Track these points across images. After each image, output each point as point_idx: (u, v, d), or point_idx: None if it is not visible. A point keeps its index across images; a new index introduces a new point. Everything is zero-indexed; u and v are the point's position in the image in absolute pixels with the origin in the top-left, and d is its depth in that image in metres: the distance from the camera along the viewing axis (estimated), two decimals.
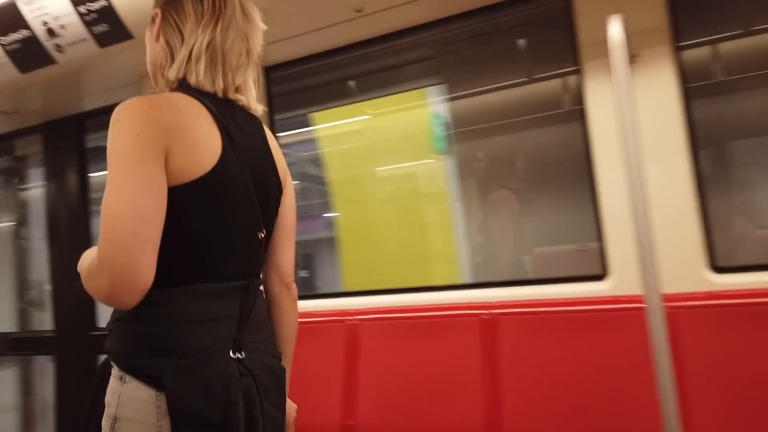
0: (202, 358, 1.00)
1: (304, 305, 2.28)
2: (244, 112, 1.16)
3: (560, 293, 1.87)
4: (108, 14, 2.01)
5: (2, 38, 2.23)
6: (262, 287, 1.20)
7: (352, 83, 2.64)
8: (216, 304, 1.05)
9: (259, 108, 1.19)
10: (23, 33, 2.18)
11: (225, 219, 1.06)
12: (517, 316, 1.86)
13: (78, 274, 1.07)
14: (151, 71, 1.19)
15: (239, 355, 1.04)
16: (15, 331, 3.35)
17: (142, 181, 0.93)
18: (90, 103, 2.81)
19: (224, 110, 1.09)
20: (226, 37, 1.11)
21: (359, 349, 2.05)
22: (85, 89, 2.63)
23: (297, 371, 2.14)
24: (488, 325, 1.88)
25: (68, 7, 2.04)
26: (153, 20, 1.17)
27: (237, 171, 1.07)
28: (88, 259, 1.03)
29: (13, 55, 2.26)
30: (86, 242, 2.90)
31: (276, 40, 2.22)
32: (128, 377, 1.00)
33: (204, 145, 1.02)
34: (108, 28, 2.06)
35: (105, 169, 0.97)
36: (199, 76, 1.10)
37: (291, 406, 1.25)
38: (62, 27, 2.11)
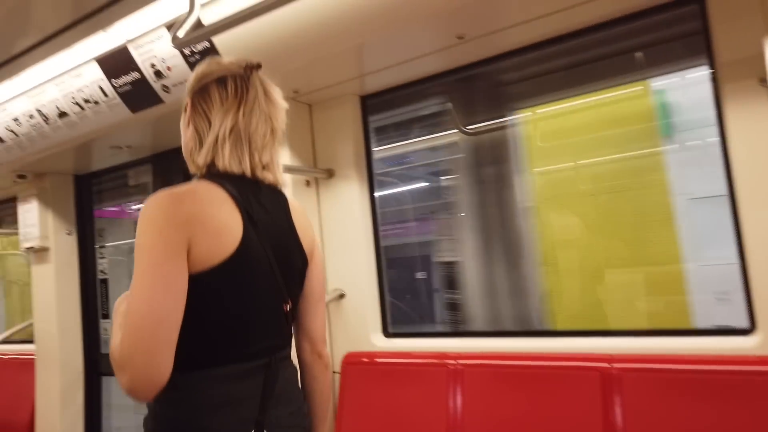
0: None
1: (402, 345, 2.20)
2: (271, 189, 1.23)
3: (695, 348, 1.64)
4: (210, 55, 2.03)
5: (115, 80, 2.33)
6: (294, 355, 1.27)
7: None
8: (238, 386, 1.10)
9: (285, 182, 1.28)
10: (133, 75, 2.26)
11: (248, 299, 1.12)
12: (646, 373, 1.65)
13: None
14: (185, 156, 1.25)
15: None
16: None
17: (161, 282, 1.00)
18: None
19: (248, 191, 1.16)
20: (250, 120, 1.18)
21: (462, 397, 1.92)
22: None
23: (393, 414, 2.08)
24: (610, 380, 1.68)
25: (174, 50, 2.09)
26: (185, 109, 1.24)
27: (258, 250, 1.12)
28: (116, 337, 1.07)
29: (125, 96, 2.35)
30: None
31: (372, 72, 2.15)
32: None
33: (225, 230, 1.09)
34: None
35: None
36: (225, 160, 1.17)
37: None
38: (168, 69, 2.17)
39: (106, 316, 3.52)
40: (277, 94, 1.25)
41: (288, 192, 2.35)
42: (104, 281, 3.54)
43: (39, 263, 3.45)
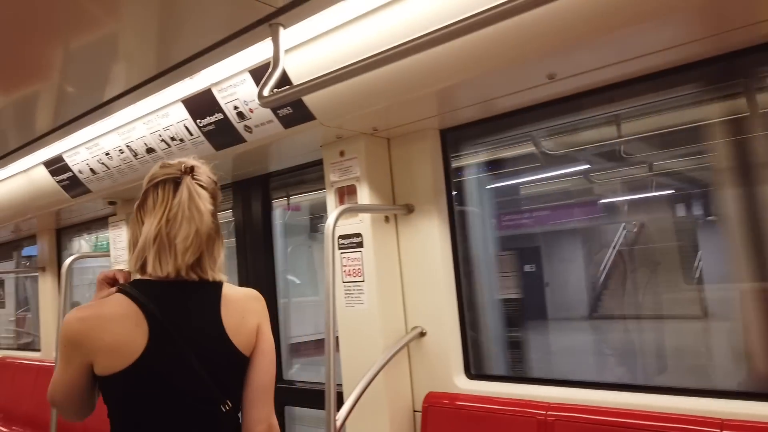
0: None
1: (486, 388, 2.14)
2: (199, 287, 1.31)
3: None
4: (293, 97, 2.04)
5: (199, 120, 2.38)
6: None
7: None
8: None
9: (219, 277, 1.34)
10: (217, 116, 2.31)
11: (155, 403, 1.24)
12: None
13: None
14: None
15: None
16: None
17: (60, 382, 1.29)
18: (273, 166, 2.94)
19: (168, 294, 1.27)
20: (174, 224, 1.27)
21: None
22: (271, 157, 2.74)
23: None
24: None
25: (255, 93, 2.11)
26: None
27: (169, 358, 1.23)
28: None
29: (209, 135, 2.41)
30: (270, 267, 3.05)
31: (455, 109, 2.09)
32: None
33: (123, 344, 1.21)
34: (291, 111, 2.09)
35: None
36: (150, 264, 1.28)
37: None
38: (251, 110, 2.19)
39: None
40: (203, 198, 1.30)
41: (365, 229, 2.36)
42: None
43: None
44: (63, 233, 4.85)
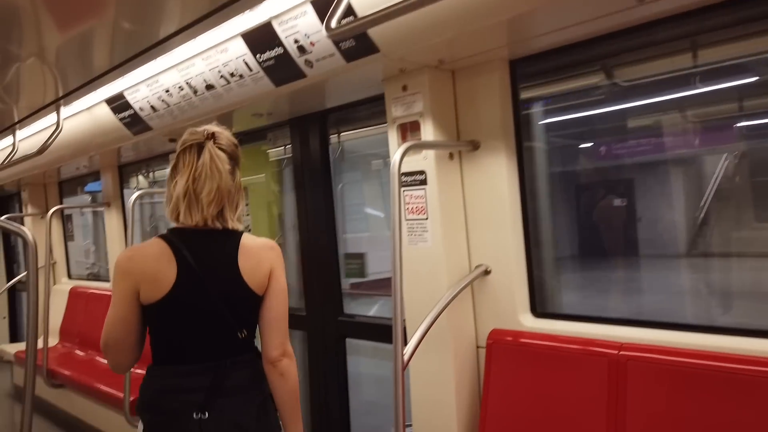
0: (170, 416, 1.52)
1: (553, 326, 2.12)
2: (222, 234, 1.58)
3: None
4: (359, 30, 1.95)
5: (259, 56, 2.33)
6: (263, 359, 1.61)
7: None
8: (193, 380, 1.53)
9: (237, 226, 1.61)
10: (277, 51, 2.25)
11: (184, 327, 1.55)
12: None
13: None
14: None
15: (201, 416, 1.50)
16: None
17: (115, 317, 1.55)
18: (332, 102, 2.88)
19: (196, 239, 1.56)
20: (198, 182, 1.54)
21: (626, 393, 1.82)
22: (329, 93, 2.68)
23: (542, 400, 2.03)
24: None
25: (317, 25, 2.03)
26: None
27: (195, 289, 1.53)
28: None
29: (268, 70, 2.36)
30: (329, 204, 3.06)
31: (527, 38, 1.97)
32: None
33: (161, 277, 1.52)
34: (354, 43, 2.01)
35: None
36: (182, 215, 1.57)
37: None
38: (312, 44, 2.12)
39: None
40: (222, 161, 1.56)
41: (429, 167, 2.31)
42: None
43: None
44: (124, 170, 4.99)
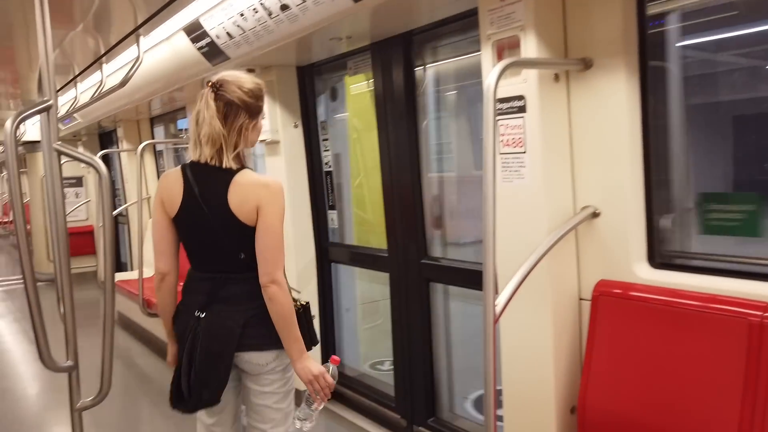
0: (184, 310, 1.90)
1: (675, 280, 1.80)
2: (218, 171, 1.78)
3: None
4: None
5: None
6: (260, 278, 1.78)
7: None
8: (200, 285, 1.87)
9: (232, 165, 1.79)
10: None
11: (193, 240, 1.89)
12: None
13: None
14: None
15: (199, 314, 1.83)
16: (359, 245, 3.62)
17: (153, 219, 1.96)
18: (417, 21, 2.58)
19: (199, 172, 1.81)
20: (198, 125, 1.79)
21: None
22: (411, 11, 2.38)
23: (659, 364, 1.74)
24: None
25: None
26: None
27: (195, 212, 1.82)
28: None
29: None
30: (413, 139, 2.82)
31: None
32: None
33: (175, 197, 1.84)
34: None
35: None
36: (191, 152, 1.85)
37: (309, 367, 1.80)
38: None
39: (333, 207, 3.61)
40: (210, 109, 1.77)
41: (530, 90, 1.98)
42: (329, 173, 3.59)
43: (271, 156, 3.59)
44: None
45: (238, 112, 1.78)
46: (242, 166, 1.81)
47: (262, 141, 3.54)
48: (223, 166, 1.77)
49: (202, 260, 1.89)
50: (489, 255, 1.61)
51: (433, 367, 2.93)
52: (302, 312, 1.87)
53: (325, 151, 3.56)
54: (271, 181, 1.82)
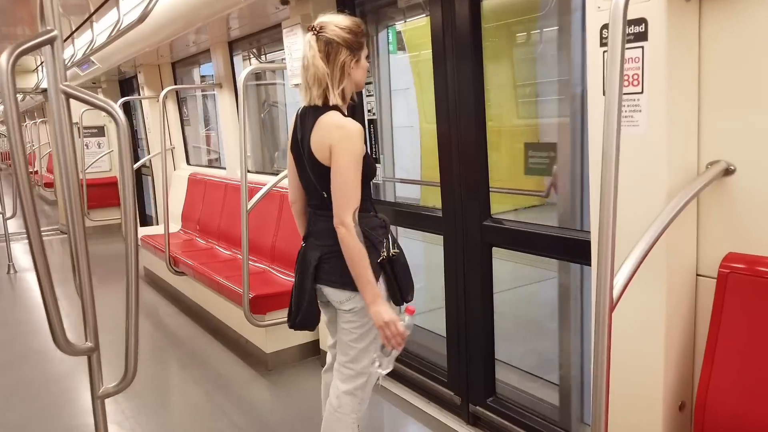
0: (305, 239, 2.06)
1: None
2: (316, 110, 1.85)
3: None
4: None
5: None
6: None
7: None
8: (307, 217, 2.05)
9: (338, 102, 1.85)
10: None
11: (299, 176, 1.99)
12: None
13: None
14: None
15: (303, 244, 2.03)
16: (405, 203, 3.27)
17: (288, 156, 2.06)
18: None
19: (306, 112, 1.90)
20: (305, 70, 1.85)
21: None
22: None
23: None
24: None
25: None
26: None
27: (298, 152, 1.93)
28: None
29: None
30: (478, 80, 2.45)
31: None
32: None
33: (291, 137, 1.99)
34: None
35: None
36: (301, 97, 1.94)
37: (381, 312, 1.79)
38: None
39: (377, 160, 3.25)
40: (314, 49, 1.81)
41: (655, 12, 1.56)
42: (372, 122, 3.21)
43: None
44: (234, 46, 4.55)
45: (339, 49, 1.80)
46: (337, 107, 1.84)
47: (295, 86, 3.16)
48: (330, 103, 1.82)
49: (307, 194, 2.00)
50: (607, 219, 1.25)
51: (494, 342, 2.61)
52: (386, 261, 1.89)
53: (368, 96, 3.17)
54: (348, 122, 1.80)
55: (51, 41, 1.56)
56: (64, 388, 3.44)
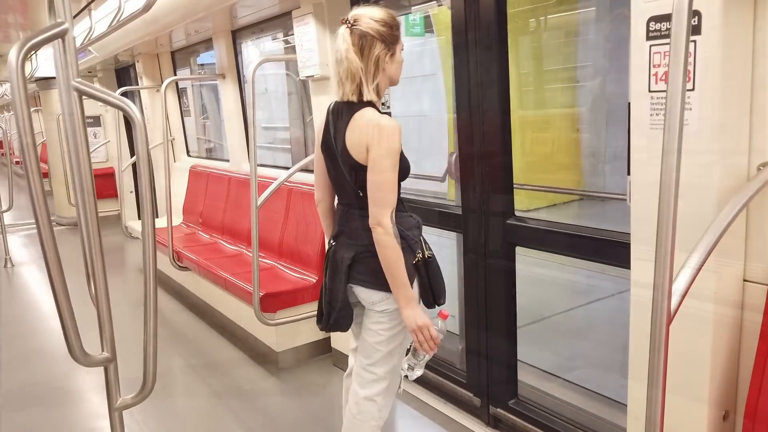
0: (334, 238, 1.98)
1: None
2: (350, 106, 1.79)
3: None
4: None
5: None
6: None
7: None
8: (337, 215, 1.98)
9: (372, 98, 1.78)
10: None
11: (330, 173, 1.94)
12: None
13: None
14: None
15: (332, 242, 1.97)
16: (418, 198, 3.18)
17: (315, 153, 2.03)
18: None
19: (339, 108, 1.85)
20: (338, 64, 1.79)
21: None
22: None
23: None
24: None
25: None
26: None
27: (330, 149, 1.87)
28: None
29: None
30: (503, 70, 2.37)
31: None
32: None
33: (321, 134, 1.92)
34: None
35: None
36: (335, 92, 1.88)
37: (414, 316, 1.76)
38: None
39: None
40: (347, 42, 1.74)
41: (710, 4, 1.45)
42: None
43: (318, 95, 3.11)
44: (238, 35, 4.43)
45: (373, 42, 1.74)
46: (371, 103, 1.79)
47: (308, 77, 3.06)
48: (364, 99, 1.77)
49: (338, 192, 1.96)
50: (667, 218, 1.17)
51: (516, 344, 2.54)
52: (421, 263, 1.85)
53: None
54: (386, 120, 1.74)
55: (62, 35, 1.46)
56: (69, 390, 3.36)
